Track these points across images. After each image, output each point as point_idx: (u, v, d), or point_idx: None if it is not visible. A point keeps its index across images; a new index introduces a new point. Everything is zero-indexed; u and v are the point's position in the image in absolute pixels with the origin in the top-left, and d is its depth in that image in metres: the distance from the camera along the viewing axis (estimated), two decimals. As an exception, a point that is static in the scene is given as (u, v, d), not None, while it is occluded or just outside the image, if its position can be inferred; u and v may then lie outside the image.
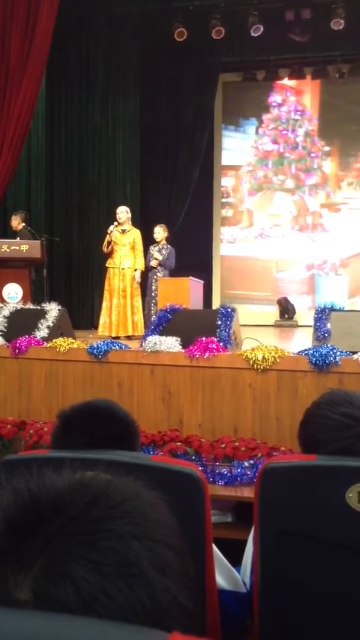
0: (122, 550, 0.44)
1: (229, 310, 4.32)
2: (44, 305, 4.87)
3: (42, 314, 4.66)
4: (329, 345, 3.67)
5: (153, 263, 7.47)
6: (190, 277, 6.44)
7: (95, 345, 4.05)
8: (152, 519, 0.48)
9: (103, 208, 10.06)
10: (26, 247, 6.76)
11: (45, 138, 9.65)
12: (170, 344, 3.90)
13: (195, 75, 10.81)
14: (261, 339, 4.41)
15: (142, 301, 7.39)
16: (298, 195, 11.84)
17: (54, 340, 4.23)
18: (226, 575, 1.55)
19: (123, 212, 7.29)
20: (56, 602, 0.41)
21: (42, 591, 0.41)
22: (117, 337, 6.60)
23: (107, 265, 7.39)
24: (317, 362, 3.50)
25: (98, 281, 9.65)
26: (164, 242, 7.63)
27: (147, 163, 10.88)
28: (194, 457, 3.37)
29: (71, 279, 10.26)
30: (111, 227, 7.24)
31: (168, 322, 4.34)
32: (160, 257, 7.48)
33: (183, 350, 3.85)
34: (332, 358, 3.50)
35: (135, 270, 7.23)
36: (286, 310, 11.21)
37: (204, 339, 3.87)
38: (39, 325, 4.49)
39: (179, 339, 3.95)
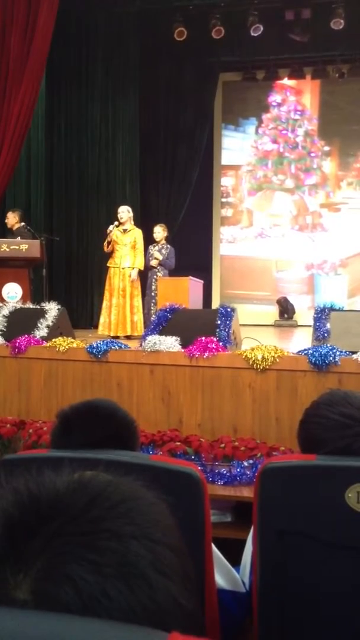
0: (121, 551, 0.44)
1: (229, 310, 4.32)
2: (44, 304, 4.87)
3: (42, 313, 4.66)
4: (328, 345, 3.67)
5: (153, 263, 7.47)
6: (190, 277, 6.44)
7: (94, 345, 4.05)
8: (151, 519, 0.48)
9: (103, 207, 10.07)
10: (26, 247, 6.76)
11: (45, 137, 9.65)
12: (170, 343, 3.90)
13: (195, 75, 10.81)
14: (261, 339, 4.41)
15: (142, 301, 7.39)
16: (298, 195, 11.84)
17: (53, 340, 4.23)
18: (225, 575, 1.55)
19: (124, 212, 7.29)
20: (56, 602, 0.41)
21: (42, 591, 0.41)
22: (116, 337, 6.60)
23: (108, 264, 7.40)
24: (317, 362, 3.51)
25: (97, 280, 9.66)
26: (163, 241, 7.64)
27: (147, 162, 10.88)
28: (193, 457, 3.37)
29: (71, 279, 10.26)
30: (111, 227, 7.24)
31: (168, 321, 4.34)
32: (160, 257, 7.48)
33: (183, 350, 3.85)
34: (331, 358, 3.50)
35: (133, 269, 7.23)
36: (286, 310, 11.21)
37: (203, 338, 3.87)
38: (39, 325, 4.49)
39: (178, 338, 3.94)
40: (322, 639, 1.34)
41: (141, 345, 4.11)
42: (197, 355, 3.76)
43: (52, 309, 4.70)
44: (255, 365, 3.62)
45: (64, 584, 0.41)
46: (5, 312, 4.73)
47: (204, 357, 3.75)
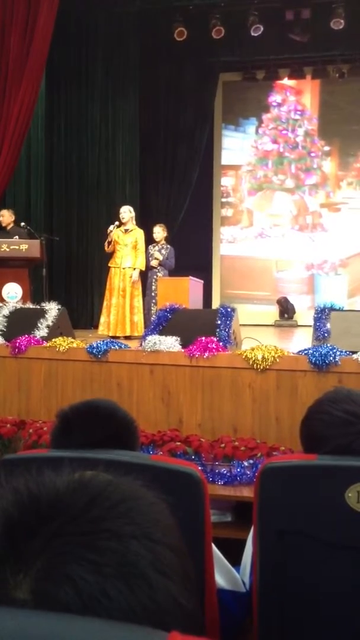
0: (121, 551, 0.44)
1: (229, 310, 4.32)
2: (44, 304, 4.87)
3: (42, 313, 4.66)
4: (328, 345, 3.67)
5: (153, 263, 7.48)
6: (190, 277, 6.44)
7: (94, 345, 4.05)
8: (151, 519, 0.47)
9: (103, 207, 10.07)
10: (26, 247, 6.75)
11: (45, 137, 9.64)
12: (170, 343, 3.90)
13: (195, 75, 10.81)
14: (261, 339, 4.41)
15: (142, 301, 7.39)
16: (298, 195, 11.84)
17: (53, 340, 4.23)
18: (225, 575, 1.55)
19: (126, 212, 7.28)
20: (56, 602, 0.41)
21: (42, 591, 0.41)
22: (116, 337, 6.60)
23: (109, 264, 7.40)
24: (317, 361, 3.51)
25: (97, 280, 9.66)
26: (163, 241, 7.64)
27: (147, 162, 10.88)
28: (193, 457, 3.37)
29: (71, 279, 10.26)
30: (111, 227, 7.24)
31: (168, 321, 4.34)
32: (160, 257, 7.49)
33: (183, 350, 3.86)
34: (331, 358, 3.50)
35: (134, 269, 7.22)
36: (286, 310, 11.21)
37: (203, 338, 3.86)
38: (39, 325, 4.49)
39: (178, 338, 3.95)
40: (322, 638, 1.34)
41: (141, 345, 4.11)
42: (197, 355, 3.76)
43: (52, 309, 4.70)
44: (255, 365, 3.62)
45: (64, 584, 0.41)
46: (5, 312, 4.73)
47: (204, 357, 3.75)
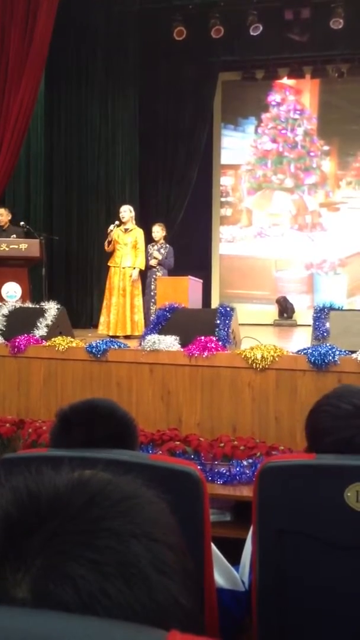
0: (121, 550, 0.44)
1: (228, 309, 4.32)
2: (43, 304, 4.87)
3: (41, 312, 4.66)
4: (327, 344, 3.67)
5: (152, 262, 7.48)
6: (189, 276, 6.44)
7: (94, 344, 4.05)
8: (151, 518, 0.47)
9: (102, 207, 10.07)
10: (25, 246, 6.75)
11: (45, 137, 9.64)
12: (169, 343, 3.90)
13: (194, 74, 10.80)
14: (260, 338, 4.41)
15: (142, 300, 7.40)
16: (297, 194, 11.84)
17: (52, 339, 4.23)
18: (225, 574, 1.55)
19: (126, 211, 7.28)
20: (55, 601, 0.41)
21: (41, 590, 0.41)
22: (116, 336, 6.60)
23: (108, 264, 7.40)
24: (316, 361, 3.51)
25: (97, 280, 9.66)
26: (162, 241, 7.64)
27: (146, 162, 10.88)
28: (192, 456, 3.37)
29: (70, 278, 10.26)
30: (111, 226, 7.24)
31: (167, 321, 4.33)
32: (159, 257, 7.49)
33: (182, 349, 3.86)
34: (331, 357, 3.50)
35: (134, 268, 7.23)
36: (285, 309, 11.21)
37: (202, 338, 3.87)
38: (38, 324, 4.49)
39: (177, 338, 3.95)
40: (322, 637, 1.34)
41: (140, 344, 4.11)
42: (196, 355, 3.76)
43: (52, 308, 4.70)
44: (254, 365, 3.62)
45: (63, 583, 0.41)
46: (5, 311, 4.73)
47: (204, 356, 3.75)
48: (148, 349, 3.91)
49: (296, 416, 3.49)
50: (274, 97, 11.79)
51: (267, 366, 3.61)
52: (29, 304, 5.22)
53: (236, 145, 12.02)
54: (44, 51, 7.38)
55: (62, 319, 4.74)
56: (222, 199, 12.09)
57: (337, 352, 3.54)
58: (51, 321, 4.56)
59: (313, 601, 1.33)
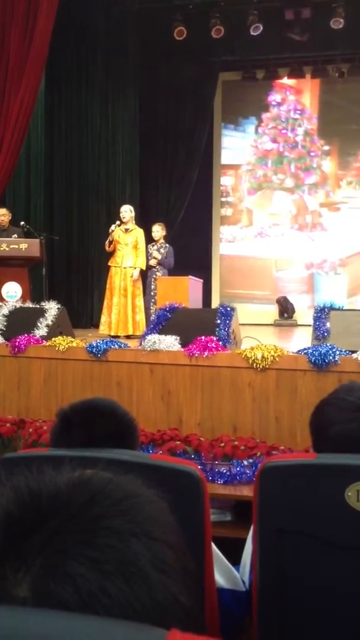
0: (121, 549, 0.44)
1: (228, 309, 4.32)
2: (43, 304, 4.87)
3: (42, 312, 4.66)
4: (328, 344, 3.67)
5: (152, 262, 7.48)
6: (190, 276, 6.44)
7: (94, 344, 4.05)
8: (151, 517, 0.48)
9: (103, 207, 10.07)
10: (25, 246, 6.75)
11: (45, 137, 9.64)
12: (170, 343, 3.91)
13: (194, 74, 10.80)
14: (260, 338, 4.41)
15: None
16: (297, 194, 11.84)
17: (53, 339, 4.23)
18: (225, 574, 1.55)
19: (127, 211, 7.28)
20: (55, 600, 0.41)
21: (41, 589, 0.41)
22: (117, 336, 6.60)
23: (109, 264, 7.40)
24: (317, 361, 3.51)
25: (97, 280, 9.66)
26: (162, 240, 7.64)
27: (147, 162, 10.88)
28: (193, 456, 3.37)
29: (70, 278, 10.25)
30: (113, 226, 7.24)
31: (167, 321, 4.34)
32: (159, 256, 7.49)
33: (182, 349, 3.86)
34: (331, 357, 3.50)
35: (135, 268, 7.23)
36: (285, 309, 11.21)
37: (203, 338, 3.87)
38: (38, 324, 4.49)
39: (178, 337, 3.95)
40: (322, 637, 1.34)
41: (141, 344, 4.11)
42: (196, 355, 3.76)
43: (52, 308, 4.70)
44: (255, 365, 3.62)
45: (63, 582, 0.41)
46: (5, 311, 4.73)
47: (204, 356, 3.75)
48: (148, 349, 3.91)
49: (296, 416, 3.49)
50: (274, 97, 11.79)
51: (267, 366, 3.61)
52: (29, 304, 5.23)
53: (236, 145, 12.02)
54: (44, 51, 7.38)
55: (62, 318, 4.74)
56: (223, 199, 12.09)
57: (338, 352, 3.53)
58: (51, 321, 4.56)
59: (313, 601, 1.33)
